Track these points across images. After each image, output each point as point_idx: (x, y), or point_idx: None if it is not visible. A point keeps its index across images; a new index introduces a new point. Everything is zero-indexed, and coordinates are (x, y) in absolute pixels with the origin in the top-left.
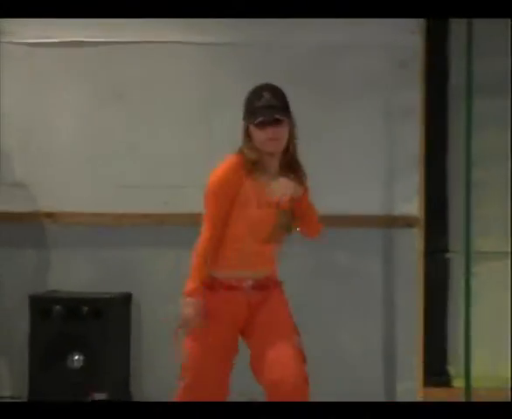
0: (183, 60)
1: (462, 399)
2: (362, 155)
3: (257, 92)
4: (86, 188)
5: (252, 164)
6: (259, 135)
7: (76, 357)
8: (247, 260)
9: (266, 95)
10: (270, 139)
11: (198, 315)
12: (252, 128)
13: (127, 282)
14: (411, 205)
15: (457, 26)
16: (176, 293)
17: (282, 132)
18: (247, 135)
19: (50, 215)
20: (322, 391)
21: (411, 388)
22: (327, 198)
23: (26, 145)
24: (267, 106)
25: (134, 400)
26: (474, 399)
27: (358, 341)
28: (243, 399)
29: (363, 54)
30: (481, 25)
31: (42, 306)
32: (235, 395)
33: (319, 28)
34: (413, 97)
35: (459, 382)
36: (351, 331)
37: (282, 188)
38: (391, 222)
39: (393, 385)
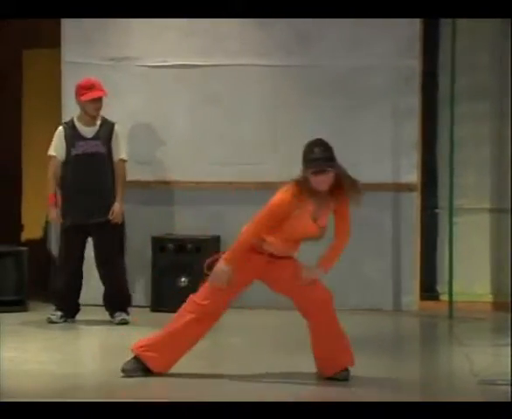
0: (252, 77)
1: (447, 309)
2: (379, 143)
3: (310, 147)
4: (191, 163)
5: (306, 195)
6: (313, 180)
7: (182, 279)
8: (285, 247)
9: (316, 150)
10: (320, 182)
11: (226, 279)
12: (308, 174)
13: (217, 228)
14: (412, 176)
15: (444, 51)
16: None
17: (329, 177)
18: (305, 175)
19: (166, 182)
20: (349, 302)
21: (411, 301)
22: (356, 171)
23: (149, 135)
24: (318, 159)
25: None
26: (456, 310)
27: (375, 268)
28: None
29: (380, 73)
30: (464, 47)
31: (160, 244)
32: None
33: (348, 55)
34: (414, 102)
35: (445, 297)
36: (370, 261)
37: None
38: (399, 187)
39: (399, 298)
